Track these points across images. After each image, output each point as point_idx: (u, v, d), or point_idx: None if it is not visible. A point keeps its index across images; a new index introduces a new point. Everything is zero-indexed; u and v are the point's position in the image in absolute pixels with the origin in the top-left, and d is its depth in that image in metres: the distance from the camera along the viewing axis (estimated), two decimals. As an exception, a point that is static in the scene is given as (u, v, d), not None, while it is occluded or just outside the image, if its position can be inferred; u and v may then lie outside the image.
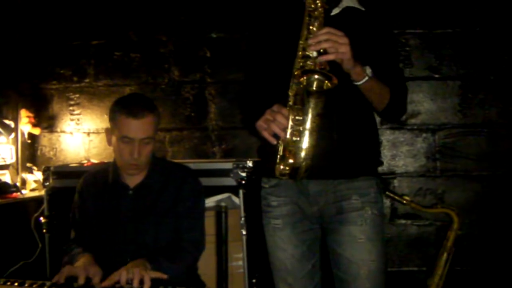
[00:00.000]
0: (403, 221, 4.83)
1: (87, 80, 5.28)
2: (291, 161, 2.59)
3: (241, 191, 3.85)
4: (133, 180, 3.29)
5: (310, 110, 2.55)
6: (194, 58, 5.10)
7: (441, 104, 4.78)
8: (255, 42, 3.14)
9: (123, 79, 5.22)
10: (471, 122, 4.75)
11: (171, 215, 3.23)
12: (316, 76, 2.55)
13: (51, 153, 5.38)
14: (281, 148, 2.61)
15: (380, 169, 3.09)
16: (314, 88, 2.55)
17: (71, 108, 5.31)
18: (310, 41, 2.58)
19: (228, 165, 3.93)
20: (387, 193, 3.98)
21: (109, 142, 3.28)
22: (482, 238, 4.72)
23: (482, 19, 4.72)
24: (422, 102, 4.79)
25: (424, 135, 4.80)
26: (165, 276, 2.87)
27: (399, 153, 4.83)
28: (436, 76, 4.79)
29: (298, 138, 2.56)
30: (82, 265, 2.99)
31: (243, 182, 3.85)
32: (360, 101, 2.84)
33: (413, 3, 4.78)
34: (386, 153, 4.75)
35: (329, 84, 2.52)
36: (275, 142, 2.62)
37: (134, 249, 3.15)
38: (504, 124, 4.72)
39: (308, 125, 2.56)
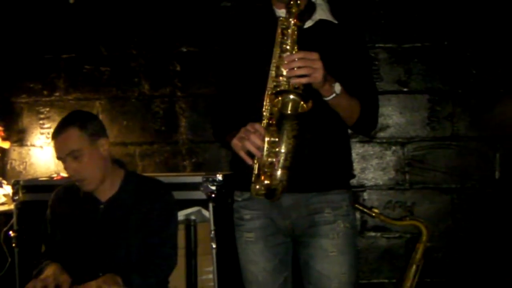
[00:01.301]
0: (372, 234, 4.86)
1: (57, 94, 5.26)
2: (267, 182, 2.60)
3: (211, 205, 3.85)
4: (104, 194, 3.27)
5: (285, 132, 2.56)
6: (165, 72, 5.10)
7: (410, 117, 4.82)
8: (226, 57, 3.14)
9: (93, 92, 5.20)
10: (440, 135, 4.79)
11: (143, 230, 3.21)
12: (291, 97, 2.56)
13: (21, 167, 5.35)
14: (256, 167, 2.62)
15: (350, 181, 3.11)
16: (289, 111, 2.56)
17: (41, 121, 5.29)
18: (284, 66, 2.59)
19: (198, 179, 3.93)
20: (356, 206, 3.99)
21: None
22: (451, 250, 4.76)
23: (450, 33, 4.77)
24: (391, 116, 4.83)
25: (393, 148, 4.83)
26: None
27: (369, 166, 4.86)
28: (405, 89, 4.83)
29: (274, 160, 2.57)
30: (51, 274, 3.00)
31: (213, 195, 3.85)
32: (332, 115, 2.86)
33: (382, 17, 4.82)
34: (355, 166, 4.77)
35: (304, 105, 2.54)
36: (251, 162, 2.63)
37: (105, 263, 3.13)
38: (473, 137, 4.76)
39: (283, 147, 2.57)
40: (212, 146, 4.97)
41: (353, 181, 3.13)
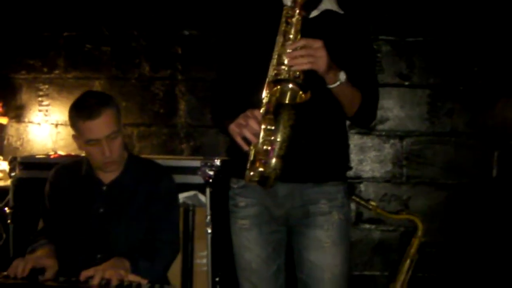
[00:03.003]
0: (367, 226, 4.86)
1: (56, 72, 5.24)
2: (261, 169, 2.59)
3: (208, 190, 3.83)
4: (107, 176, 3.25)
5: (282, 122, 2.55)
6: (166, 54, 5.08)
7: (409, 111, 4.82)
8: (228, 42, 3.13)
9: (93, 72, 5.18)
10: (439, 131, 4.79)
11: (144, 213, 3.19)
12: (290, 86, 2.55)
13: (18, 143, 5.33)
14: (252, 153, 2.61)
15: (346, 173, 3.11)
16: (287, 101, 2.55)
17: (39, 98, 5.27)
18: (286, 55, 2.58)
19: (196, 163, 3.92)
20: (353, 197, 3.98)
21: (79, 147, 3.24)
22: (445, 246, 4.76)
23: (454, 29, 4.76)
24: (391, 109, 4.82)
25: (391, 141, 4.83)
26: (145, 281, 2.83)
27: (366, 158, 4.85)
28: (406, 83, 4.82)
29: (269, 148, 2.56)
30: (33, 257, 2.97)
31: (211, 180, 3.84)
32: (330, 106, 2.85)
33: (386, 10, 4.81)
34: (353, 158, 4.77)
35: (303, 95, 2.53)
36: (247, 148, 2.62)
37: (104, 245, 3.12)
38: (471, 134, 4.76)
39: (279, 136, 2.56)
40: (210, 130, 4.96)
41: (350, 173, 3.14)
